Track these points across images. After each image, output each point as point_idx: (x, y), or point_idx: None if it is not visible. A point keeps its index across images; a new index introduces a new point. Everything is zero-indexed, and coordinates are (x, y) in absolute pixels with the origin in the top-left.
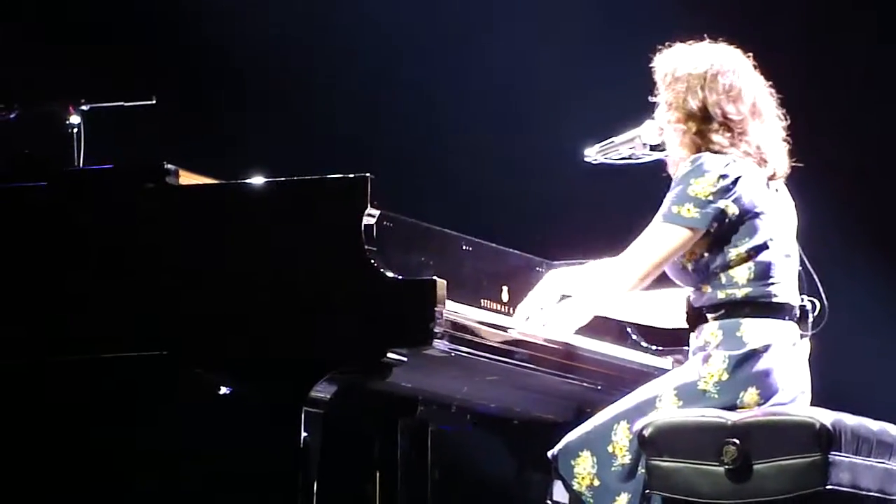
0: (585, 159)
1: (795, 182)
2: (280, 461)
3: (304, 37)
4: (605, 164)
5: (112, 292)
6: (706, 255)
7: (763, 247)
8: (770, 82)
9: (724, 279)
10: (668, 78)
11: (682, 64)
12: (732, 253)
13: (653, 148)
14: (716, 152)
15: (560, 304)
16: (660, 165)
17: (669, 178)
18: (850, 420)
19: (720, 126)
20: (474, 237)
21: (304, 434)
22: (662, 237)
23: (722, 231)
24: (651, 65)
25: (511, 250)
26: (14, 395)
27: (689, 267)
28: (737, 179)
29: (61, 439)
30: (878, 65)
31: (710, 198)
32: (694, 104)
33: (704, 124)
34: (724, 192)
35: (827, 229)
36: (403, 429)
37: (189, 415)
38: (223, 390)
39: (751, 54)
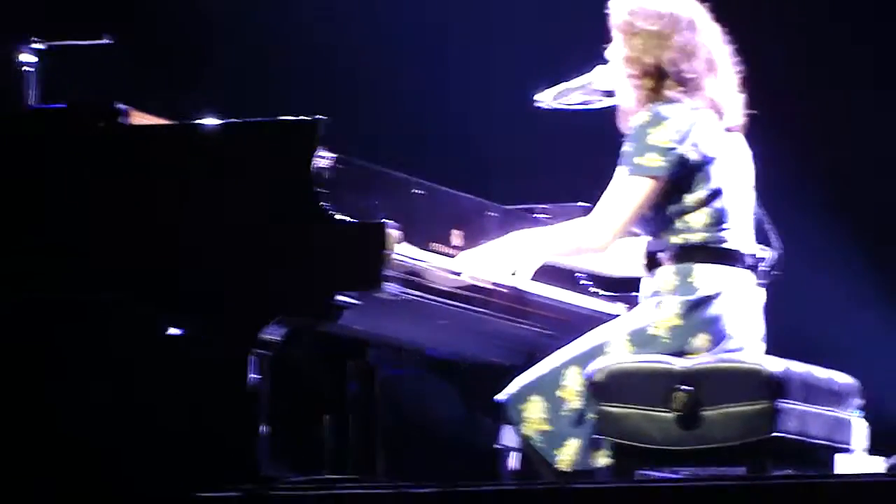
0: (537, 104)
1: (752, 130)
2: (230, 403)
3: None
4: (558, 109)
5: (63, 233)
6: (664, 201)
7: (718, 193)
8: (726, 28)
9: (680, 224)
10: (623, 30)
11: (637, 17)
12: (689, 199)
13: (606, 93)
14: (671, 102)
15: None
16: (611, 110)
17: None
18: (798, 368)
19: (675, 83)
20: (426, 181)
21: (252, 376)
22: (630, 190)
23: (680, 177)
24: (605, 10)
25: (463, 194)
26: None
27: (648, 215)
28: (692, 125)
29: (8, 382)
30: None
31: (671, 145)
32: (649, 61)
33: (660, 80)
34: (683, 138)
35: (783, 178)
36: (353, 372)
37: (139, 356)
38: (172, 331)
39: (707, 3)
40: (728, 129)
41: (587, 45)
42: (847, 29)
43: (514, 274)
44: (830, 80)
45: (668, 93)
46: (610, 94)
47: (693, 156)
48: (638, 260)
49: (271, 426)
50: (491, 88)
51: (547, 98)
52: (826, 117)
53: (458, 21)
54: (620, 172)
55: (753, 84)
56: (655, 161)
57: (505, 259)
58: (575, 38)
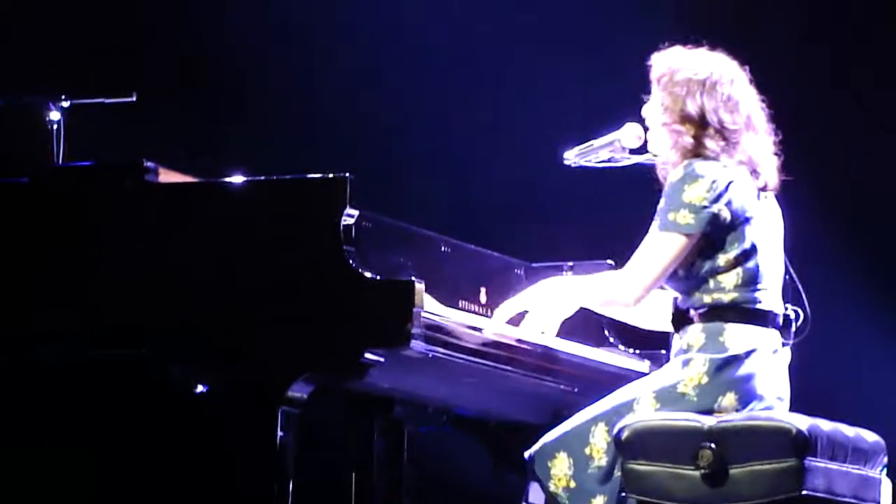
0: (565, 162)
1: (784, 192)
2: (256, 461)
3: (288, 36)
4: (584, 168)
5: (92, 290)
6: (697, 259)
7: (751, 253)
8: (762, 96)
9: (712, 284)
10: (665, 79)
11: (681, 67)
12: (721, 259)
13: (632, 151)
14: (708, 158)
15: (552, 307)
16: (639, 168)
17: (650, 181)
18: (825, 426)
19: (716, 133)
20: (453, 238)
21: (280, 433)
22: (662, 246)
23: (714, 236)
24: (647, 62)
25: (489, 252)
26: None
27: (680, 273)
28: (729, 184)
29: (38, 440)
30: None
31: (705, 203)
32: (692, 109)
33: (700, 130)
34: (718, 197)
35: (812, 240)
36: (379, 429)
37: (166, 414)
38: (200, 388)
39: (747, 67)
40: (762, 189)
41: (616, 103)
42: (868, 82)
43: (542, 332)
44: (858, 138)
45: (708, 143)
46: (636, 152)
47: (726, 215)
48: (667, 314)
49: (298, 483)
50: (517, 145)
51: (573, 156)
52: (851, 173)
53: (486, 78)
54: (654, 227)
55: (786, 146)
56: (688, 218)
57: (539, 311)
58: (604, 97)
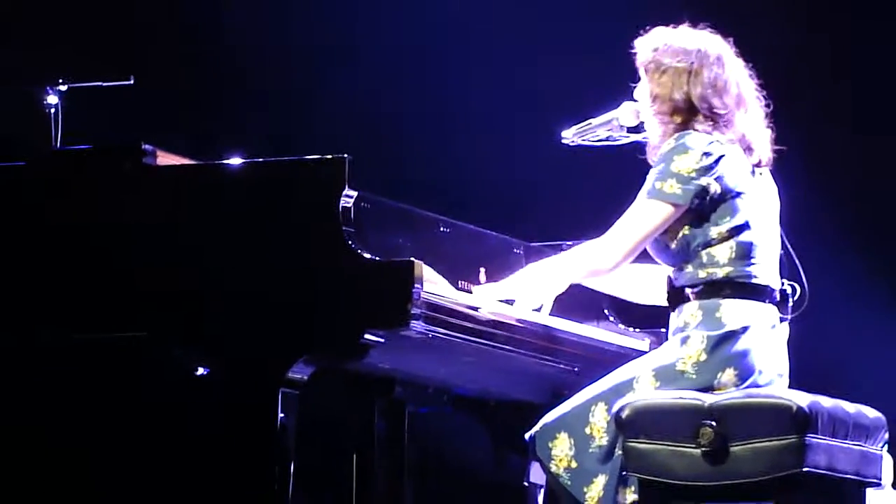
0: (563, 141)
1: (778, 162)
2: (257, 443)
3: (286, 20)
4: (583, 146)
5: (90, 272)
6: (687, 232)
7: (744, 227)
8: (750, 63)
9: (705, 258)
10: (651, 67)
11: (664, 55)
12: (713, 232)
13: (630, 130)
14: (697, 132)
15: (537, 287)
16: (637, 147)
17: (646, 161)
18: (826, 402)
19: (705, 118)
20: (452, 219)
21: (280, 415)
22: (646, 213)
23: (704, 209)
24: (631, 50)
25: (488, 232)
26: None
27: (672, 245)
28: (719, 158)
29: (38, 422)
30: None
31: (693, 174)
32: (679, 97)
33: (689, 115)
34: (707, 169)
35: (809, 214)
36: (380, 410)
37: (167, 396)
38: (200, 371)
39: (731, 39)
40: (756, 165)
41: (613, 81)
42: (869, 61)
43: (537, 310)
44: (855, 113)
45: (698, 126)
46: (635, 130)
47: (716, 188)
48: (661, 288)
49: (299, 464)
50: (517, 125)
51: (571, 135)
52: (851, 150)
53: (484, 58)
54: (640, 195)
55: (778, 118)
56: (674, 188)
57: (524, 290)
58: (601, 74)
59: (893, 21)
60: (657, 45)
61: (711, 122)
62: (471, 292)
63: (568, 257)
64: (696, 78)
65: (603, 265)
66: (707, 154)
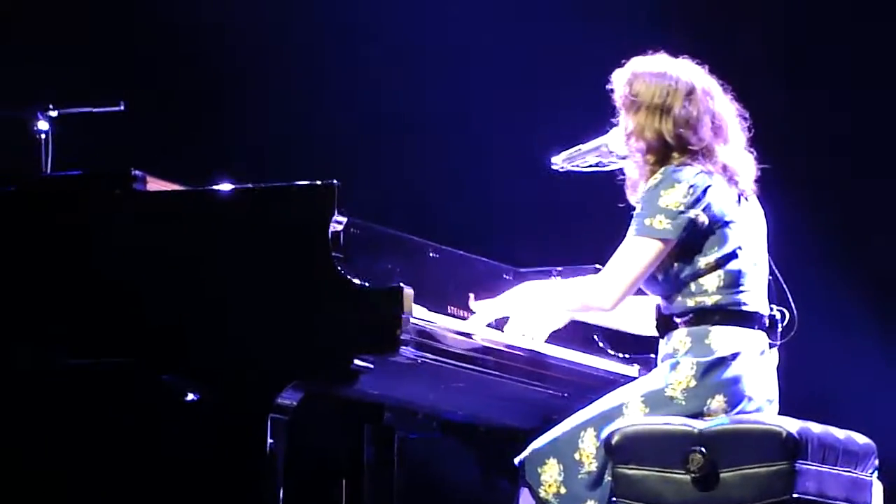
0: (552, 167)
1: (765, 188)
2: (246, 468)
3: (276, 48)
4: (572, 172)
5: (79, 299)
6: (676, 264)
7: (732, 255)
8: (732, 86)
9: (693, 287)
10: (625, 103)
11: (638, 89)
12: (702, 262)
13: (620, 156)
14: (683, 165)
15: (532, 310)
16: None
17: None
18: (816, 429)
19: (681, 154)
20: (441, 244)
21: (269, 441)
22: (638, 251)
23: (692, 240)
24: (608, 84)
25: (478, 257)
26: None
27: (660, 277)
28: (706, 189)
29: (23, 447)
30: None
31: (681, 208)
32: (650, 136)
33: (665, 152)
34: (696, 202)
35: (796, 238)
36: (369, 435)
37: (155, 422)
38: (189, 397)
39: (706, 66)
40: (742, 193)
41: (603, 107)
42: (854, 81)
43: (529, 336)
44: (837, 135)
45: (675, 162)
46: (624, 156)
47: (704, 219)
48: (652, 318)
49: (288, 490)
50: (506, 151)
51: (560, 160)
52: (834, 172)
53: (475, 83)
54: (630, 232)
55: (760, 140)
56: (664, 223)
57: (517, 317)
58: (591, 100)
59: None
60: (630, 79)
61: (690, 156)
62: (461, 318)
63: (565, 290)
64: (667, 115)
65: (603, 304)
66: (693, 186)
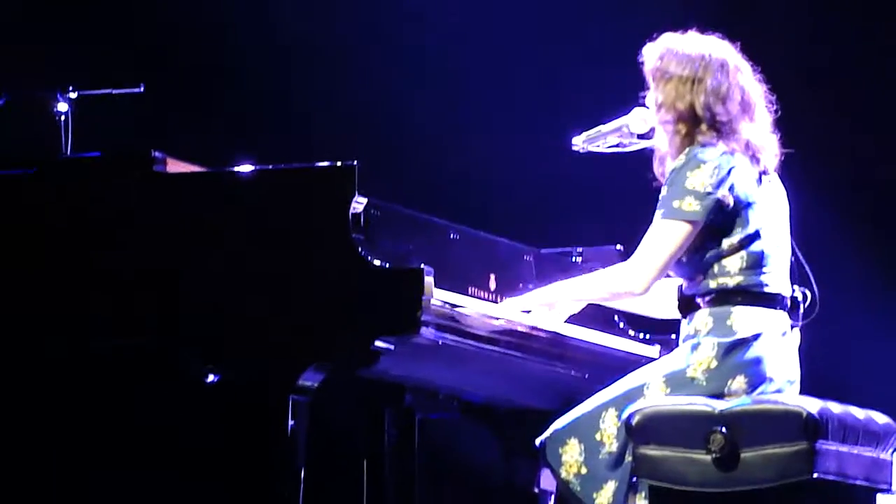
0: (573, 148)
1: (787, 168)
2: (268, 450)
3: (291, 24)
4: (593, 153)
5: (101, 280)
6: (700, 246)
7: (755, 237)
8: (759, 67)
9: (716, 269)
10: (657, 76)
11: (669, 64)
12: (725, 243)
13: (640, 136)
14: (707, 145)
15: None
16: (647, 154)
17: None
18: (836, 409)
19: (709, 127)
20: (462, 225)
21: (291, 422)
22: (668, 234)
23: (718, 222)
24: (639, 58)
25: (498, 238)
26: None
27: (684, 259)
28: (731, 169)
29: (50, 428)
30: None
31: (709, 189)
32: (682, 107)
33: (693, 125)
34: (720, 182)
35: (820, 221)
36: (390, 417)
37: (177, 403)
38: (211, 378)
39: (738, 43)
40: (763, 173)
41: (623, 87)
42: (881, 64)
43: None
44: (863, 115)
45: (702, 137)
46: (644, 136)
47: (729, 200)
48: (673, 301)
49: (309, 472)
50: (527, 132)
51: (581, 141)
52: (861, 153)
53: (496, 63)
54: (658, 215)
55: (786, 121)
56: (693, 206)
57: (544, 306)
58: (612, 80)
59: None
60: (662, 53)
61: (716, 132)
62: (481, 299)
63: (595, 281)
64: (699, 86)
65: (634, 289)
66: (718, 167)
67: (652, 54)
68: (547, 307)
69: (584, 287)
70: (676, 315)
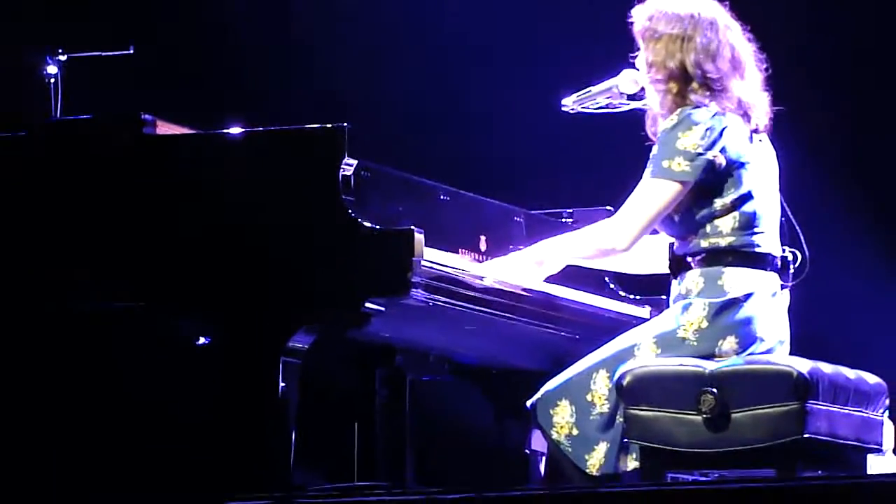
0: (563, 109)
1: (777, 126)
2: (258, 411)
3: None
4: (583, 113)
5: (89, 243)
6: (693, 205)
7: (748, 197)
8: (749, 26)
9: (708, 229)
10: (645, 36)
11: (658, 23)
12: (718, 203)
13: (630, 97)
14: (699, 106)
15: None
16: (637, 115)
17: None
18: (827, 369)
19: (700, 85)
20: (452, 186)
21: (281, 384)
22: (655, 193)
23: (709, 182)
24: (629, 18)
25: (489, 200)
26: None
27: (676, 218)
28: (723, 130)
29: (36, 390)
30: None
31: (700, 150)
32: (673, 65)
33: (684, 84)
34: (712, 143)
35: (809, 179)
36: (381, 378)
37: (166, 366)
38: (201, 340)
39: (727, 2)
40: (754, 131)
41: (612, 48)
42: (871, 22)
43: (539, 279)
44: (853, 77)
45: (694, 96)
46: (634, 97)
47: (721, 161)
48: (661, 257)
49: (300, 434)
50: (515, 92)
51: (571, 102)
52: (851, 113)
53: (482, 25)
54: (646, 174)
55: (777, 81)
56: (682, 166)
57: (530, 263)
58: (600, 42)
59: None
60: (651, 13)
61: (707, 90)
62: (473, 260)
63: (579, 238)
64: (689, 44)
65: (618, 246)
66: (710, 129)
67: (641, 14)
68: (535, 265)
69: (569, 244)
70: (661, 269)
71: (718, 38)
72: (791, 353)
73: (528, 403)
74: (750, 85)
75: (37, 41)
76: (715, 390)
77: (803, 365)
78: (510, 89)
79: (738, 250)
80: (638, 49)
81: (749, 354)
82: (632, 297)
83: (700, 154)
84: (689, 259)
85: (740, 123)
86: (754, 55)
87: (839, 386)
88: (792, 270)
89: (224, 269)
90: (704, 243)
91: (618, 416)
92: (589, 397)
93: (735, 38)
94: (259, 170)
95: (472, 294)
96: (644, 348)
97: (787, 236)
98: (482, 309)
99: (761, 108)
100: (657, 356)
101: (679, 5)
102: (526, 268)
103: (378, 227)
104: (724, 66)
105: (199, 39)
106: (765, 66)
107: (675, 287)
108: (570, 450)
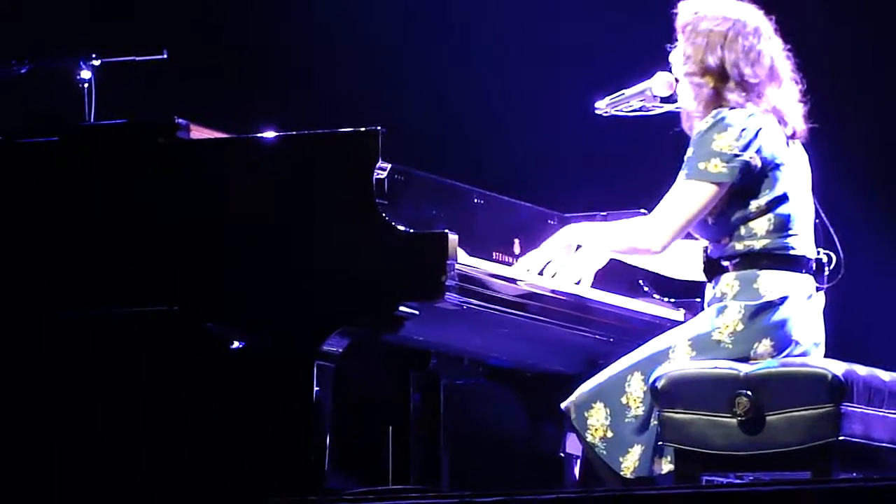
0: (596, 112)
1: (813, 131)
2: (293, 416)
3: None
4: (616, 117)
5: (124, 247)
6: (728, 207)
7: (783, 199)
8: (788, 45)
9: (743, 231)
10: (688, 29)
11: (704, 18)
12: (753, 205)
13: (664, 100)
14: (734, 107)
15: (573, 254)
16: (671, 118)
17: (681, 131)
18: (862, 371)
19: (736, 86)
20: (486, 190)
21: (316, 388)
22: (691, 194)
23: (745, 184)
24: (673, 10)
25: (522, 203)
26: (24, 348)
27: (710, 220)
28: (758, 132)
29: (71, 394)
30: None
31: (736, 151)
32: (712, 61)
33: (721, 82)
34: (748, 144)
35: (843, 184)
36: (415, 382)
37: (201, 370)
38: (235, 345)
39: (773, 17)
40: (791, 136)
41: (646, 52)
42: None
43: (576, 282)
44: (885, 75)
45: (729, 96)
46: (668, 100)
47: (757, 162)
48: (697, 264)
49: (335, 437)
50: (550, 96)
51: (604, 105)
52: (889, 116)
53: (518, 25)
54: (681, 176)
55: (813, 92)
56: (718, 167)
57: (563, 261)
58: (634, 44)
59: None
60: (698, 8)
61: (743, 91)
62: (506, 263)
63: (614, 232)
64: (730, 44)
65: (652, 247)
66: (745, 129)
67: (688, 8)
68: (566, 250)
69: (603, 233)
70: (697, 276)
71: (760, 46)
72: (826, 356)
73: (563, 406)
74: (786, 94)
75: (71, 46)
76: (750, 393)
77: (838, 367)
78: (543, 92)
79: (773, 253)
80: (675, 42)
81: (784, 357)
82: (666, 300)
83: (736, 155)
84: (724, 262)
85: (775, 125)
86: (792, 70)
87: (874, 388)
88: (827, 273)
89: (258, 273)
90: (739, 246)
91: (652, 419)
92: (624, 400)
93: (775, 50)
94: (293, 173)
95: (506, 297)
96: (679, 351)
97: (822, 238)
98: (516, 312)
99: (797, 114)
100: (692, 359)
101: (727, 8)
102: (558, 251)
103: (412, 230)
104: (762, 72)
105: (234, 43)
106: (801, 83)
107: (710, 290)
108: (605, 452)
